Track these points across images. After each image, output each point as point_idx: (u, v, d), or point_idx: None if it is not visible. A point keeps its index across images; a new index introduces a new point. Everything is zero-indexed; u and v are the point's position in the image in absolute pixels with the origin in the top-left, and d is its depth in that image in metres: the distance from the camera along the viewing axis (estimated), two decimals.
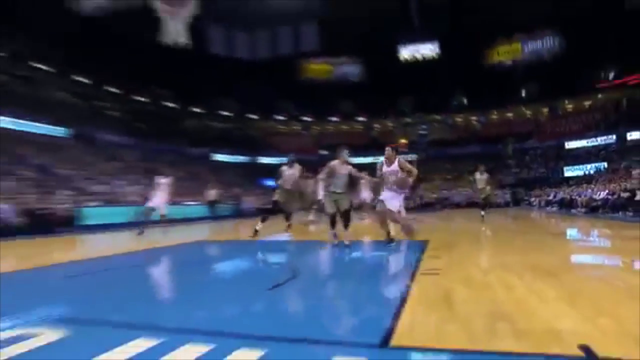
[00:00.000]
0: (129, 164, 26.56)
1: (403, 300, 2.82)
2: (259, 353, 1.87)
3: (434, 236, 8.05)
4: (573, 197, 18.72)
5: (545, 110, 42.93)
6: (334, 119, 46.59)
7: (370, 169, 6.41)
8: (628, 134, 34.35)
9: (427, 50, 40.49)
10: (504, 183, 33.12)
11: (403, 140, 43.17)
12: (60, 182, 18.84)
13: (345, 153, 6.51)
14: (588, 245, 7.06)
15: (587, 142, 36.93)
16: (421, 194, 31.99)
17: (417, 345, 2.00)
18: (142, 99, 37.75)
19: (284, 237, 8.48)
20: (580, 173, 31.91)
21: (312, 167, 10.48)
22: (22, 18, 25.96)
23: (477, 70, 38.06)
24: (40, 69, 29.83)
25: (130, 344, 2.03)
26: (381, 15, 35.02)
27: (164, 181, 9.78)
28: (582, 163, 33.74)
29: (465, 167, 31.96)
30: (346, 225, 6.43)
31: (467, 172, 25.68)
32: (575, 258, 5.44)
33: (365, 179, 6.67)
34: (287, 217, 8.83)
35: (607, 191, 16.17)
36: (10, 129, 23.70)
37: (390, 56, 40.05)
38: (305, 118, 46.46)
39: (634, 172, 19.31)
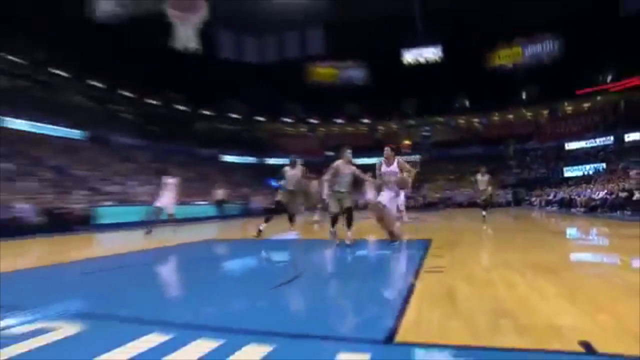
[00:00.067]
0: (142, 165, 26.73)
1: (407, 297, 2.81)
2: (268, 348, 1.87)
3: (437, 235, 8.02)
4: (572, 197, 18.61)
5: (545, 112, 42.73)
6: (340, 121, 46.66)
7: (374, 169, 6.39)
8: (626, 136, 34.14)
9: (430, 54, 40.32)
10: (505, 183, 33.00)
11: (407, 142, 43.26)
12: (76, 183, 19.01)
13: (348, 153, 6.48)
14: (587, 244, 7.01)
15: (586, 144, 36.76)
16: (424, 193, 31.94)
17: (421, 341, 1.99)
18: (155, 102, 38.07)
19: (290, 236, 8.46)
20: (580, 173, 31.76)
21: (318, 168, 10.48)
22: (41, 27, 26.26)
23: (479, 74, 37.88)
24: (58, 75, 30.20)
25: (144, 338, 2.04)
26: (385, 20, 34.93)
27: (171, 181, 9.61)
28: (582, 164, 33.58)
29: (468, 167, 31.84)
30: (349, 224, 6.34)
31: (469, 173, 25.57)
32: (575, 256, 5.40)
33: (370, 180, 6.65)
34: (291, 218, 8.80)
35: (605, 191, 16.08)
36: (29, 132, 24.00)
37: (394, 60, 39.92)
38: (311, 120, 46.57)
39: (632, 173, 19.22)
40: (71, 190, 17.58)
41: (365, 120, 46.28)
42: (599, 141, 36.09)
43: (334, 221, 6.60)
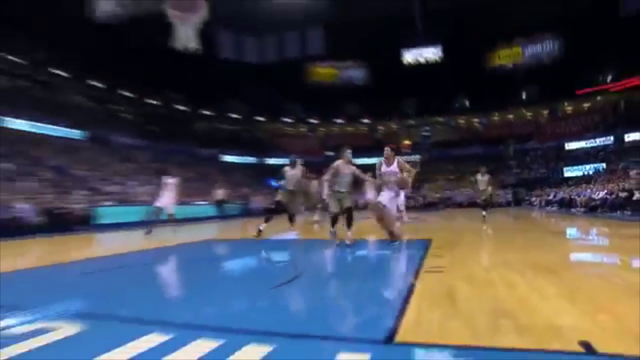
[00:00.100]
0: (142, 165, 26.73)
1: (407, 297, 2.80)
2: (268, 348, 1.87)
3: (437, 235, 8.02)
4: (572, 197, 18.61)
5: (545, 112, 42.72)
6: (340, 121, 46.65)
7: (374, 169, 6.38)
8: (626, 136, 34.14)
9: (430, 54, 40.32)
10: (505, 183, 33.00)
11: (407, 142, 43.21)
12: (76, 183, 19.01)
13: (348, 153, 6.47)
14: (587, 244, 7.00)
15: (586, 144, 36.75)
16: (424, 193, 31.94)
17: (421, 341, 1.99)
18: (155, 103, 38.07)
19: (290, 236, 8.45)
20: (580, 173, 31.76)
21: (318, 168, 10.47)
22: (41, 27, 26.26)
23: (479, 74, 37.88)
24: (58, 75, 30.18)
25: (144, 338, 2.04)
26: (385, 20, 34.94)
27: (171, 181, 9.55)
28: (581, 164, 33.57)
29: (468, 167, 31.85)
30: (349, 224, 6.32)
31: (470, 173, 25.59)
32: (575, 256, 5.40)
33: (370, 180, 6.64)
34: (291, 218, 8.78)
35: (605, 191, 16.09)
36: (29, 132, 24.00)
37: (394, 60, 39.92)
38: (311, 120, 46.57)
39: (632, 173, 19.22)
40: (71, 190, 17.57)
41: (366, 120, 46.28)
42: (599, 141, 36.09)
43: (333, 221, 6.59)
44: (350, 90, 40.91)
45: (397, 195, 6.13)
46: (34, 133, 24.20)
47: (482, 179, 11.68)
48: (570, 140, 37.76)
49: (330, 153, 34.84)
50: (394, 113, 45.07)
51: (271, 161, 39.67)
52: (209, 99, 39.95)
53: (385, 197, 5.98)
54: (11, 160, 18.07)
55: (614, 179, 19.35)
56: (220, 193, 19.78)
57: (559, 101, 41.27)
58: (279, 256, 6.13)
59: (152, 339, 2.03)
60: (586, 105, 40.76)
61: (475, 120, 44.96)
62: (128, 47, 30.20)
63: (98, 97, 33.42)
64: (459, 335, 2.04)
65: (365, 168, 6.99)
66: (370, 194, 12.04)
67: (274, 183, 7.99)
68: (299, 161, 8.37)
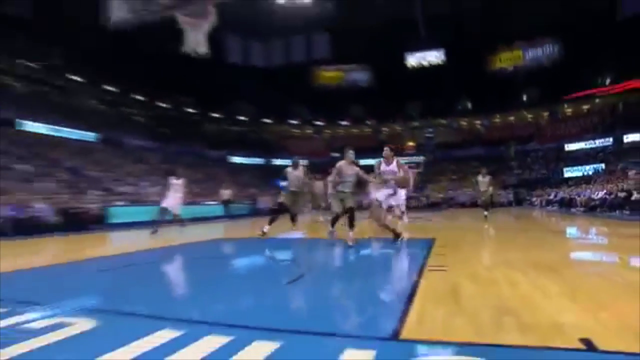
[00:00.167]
0: (153, 166, 26.87)
1: (412, 295, 2.79)
2: (276, 344, 1.87)
3: (440, 234, 8.00)
4: (572, 197, 18.50)
5: (546, 114, 42.40)
6: (345, 123, 46.57)
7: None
8: (624, 137, 33.80)
9: (433, 57, 40.17)
10: (506, 184, 32.80)
11: (411, 143, 43.08)
12: (91, 183, 19.14)
13: (350, 153, 6.39)
14: (587, 243, 6.95)
15: (586, 145, 36.42)
16: (428, 194, 31.83)
17: (426, 338, 1.98)
18: (166, 106, 38.27)
19: (295, 235, 8.43)
20: (579, 174, 31.51)
21: (323, 169, 10.47)
22: (58, 35, 26.54)
23: (481, 76, 37.68)
24: (74, 80, 30.47)
25: (156, 334, 2.05)
26: (389, 25, 34.91)
27: (177, 182, 9.35)
28: (581, 164, 33.31)
29: (470, 168, 31.69)
30: (351, 224, 6.17)
31: (472, 173, 25.46)
32: (576, 255, 5.36)
33: (373, 180, 6.61)
34: (293, 218, 8.69)
35: (604, 191, 15.98)
36: (47, 135, 24.23)
37: (398, 63, 39.82)
38: (317, 122, 46.53)
39: (630, 173, 19.07)
40: (86, 190, 17.70)
41: (370, 122, 46.18)
42: (598, 142, 35.76)
43: (334, 221, 6.53)
44: (355, 92, 40.82)
45: (395, 192, 6.11)
46: (51, 136, 24.42)
47: (482, 180, 11.63)
48: (570, 141, 37.45)
49: (336, 154, 34.79)
50: (398, 115, 44.96)
51: (278, 162, 39.72)
52: (217, 101, 40.07)
53: (381, 194, 5.98)
54: (29, 162, 18.26)
55: (613, 179, 19.20)
56: (226, 193, 19.72)
57: (559, 103, 40.97)
58: (284, 255, 6.09)
59: (165, 335, 2.04)
60: (585, 107, 40.44)
61: (478, 122, 44.72)
62: (140, 53, 30.40)
63: (111, 100, 33.70)
64: (463, 332, 2.03)
65: (368, 169, 6.96)
66: (374, 194, 12.03)
67: (281, 183, 7.83)
68: (301, 162, 8.24)
